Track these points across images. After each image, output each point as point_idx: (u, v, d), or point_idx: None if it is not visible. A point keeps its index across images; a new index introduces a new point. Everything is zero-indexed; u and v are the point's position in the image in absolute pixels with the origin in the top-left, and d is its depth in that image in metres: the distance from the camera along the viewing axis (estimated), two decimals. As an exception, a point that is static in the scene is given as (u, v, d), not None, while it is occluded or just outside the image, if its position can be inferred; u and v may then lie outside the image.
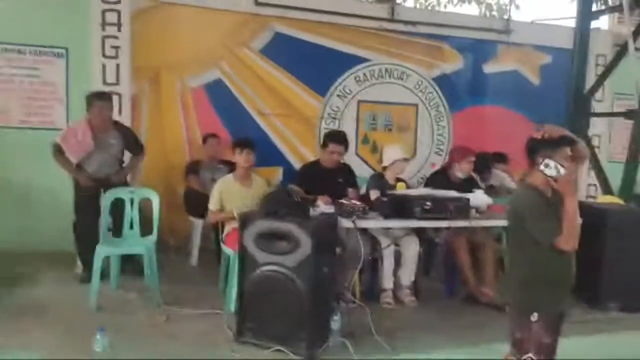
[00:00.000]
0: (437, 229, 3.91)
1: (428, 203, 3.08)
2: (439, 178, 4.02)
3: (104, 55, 4.55)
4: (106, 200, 3.72)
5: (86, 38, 4.54)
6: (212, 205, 3.64)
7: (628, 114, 4.43)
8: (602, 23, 6.00)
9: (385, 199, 3.17)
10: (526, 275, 2.33)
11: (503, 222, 3.55)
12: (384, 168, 3.89)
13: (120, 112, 4.65)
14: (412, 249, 3.66)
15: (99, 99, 3.90)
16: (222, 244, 3.67)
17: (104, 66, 4.56)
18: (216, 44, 5.01)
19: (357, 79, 5.46)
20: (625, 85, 5.75)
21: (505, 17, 5.86)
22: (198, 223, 4.54)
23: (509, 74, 5.94)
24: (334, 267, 2.91)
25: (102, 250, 3.44)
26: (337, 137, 3.82)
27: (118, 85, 4.62)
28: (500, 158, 4.90)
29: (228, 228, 3.59)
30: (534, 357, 2.27)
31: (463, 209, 3.17)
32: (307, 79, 5.27)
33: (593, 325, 3.41)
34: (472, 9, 10.40)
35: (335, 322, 2.88)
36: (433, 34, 5.59)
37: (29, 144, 4.56)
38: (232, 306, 3.38)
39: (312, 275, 2.74)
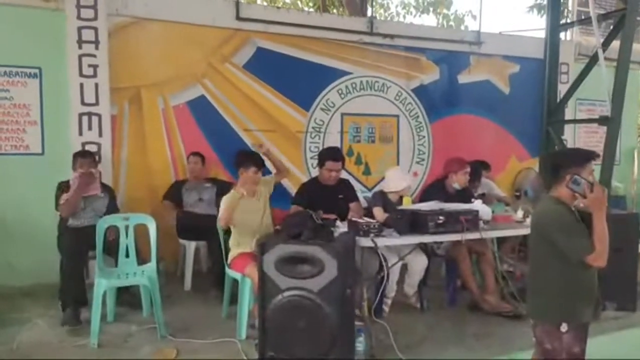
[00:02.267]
0: (437, 241, 3.96)
1: (441, 217, 3.12)
2: (436, 189, 4.08)
3: (81, 75, 4.33)
4: (99, 228, 3.52)
5: (61, 57, 4.31)
6: (220, 213, 3.47)
7: (602, 120, 4.68)
8: (562, 34, 6.32)
9: (399, 215, 3.17)
10: (555, 288, 2.38)
11: (512, 232, 3.72)
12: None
13: (100, 134, 4.45)
14: (420, 264, 3.69)
15: (83, 157, 3.93)
16: (227, 268, 3.55)
17: (81, 86, 4.34)
18: (198, 60, 4.87)
19: (340, 92, 5.47)
20: (586, 92, 6.13)
21: (476, 29, 6.04)
22: (190, 246, 4.38)
23: (481, 84, 6.16)
24: (355, 287, 2.88)
25: (102, 283, 3.23)
26: (333, 155, 3.79)
27: (97, 106, 4.42)
28: (484, 166, 5.05)
29: (234, 252, 3.47)
30: (564, 366, 2.34)
31: (474, 222, 3.23)
32: (291, 94, 5.24)
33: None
34: (430, 20, 10.77)
35: (360, 344, 2.84)
36: (411, 46, 5.70)
37: (1, 169, 4.25)
38: (244, 332, 3.30)
39: (338, 298, 2.68)
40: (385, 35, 5.53)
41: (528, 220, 3.63)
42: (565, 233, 2.30)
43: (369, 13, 6.69)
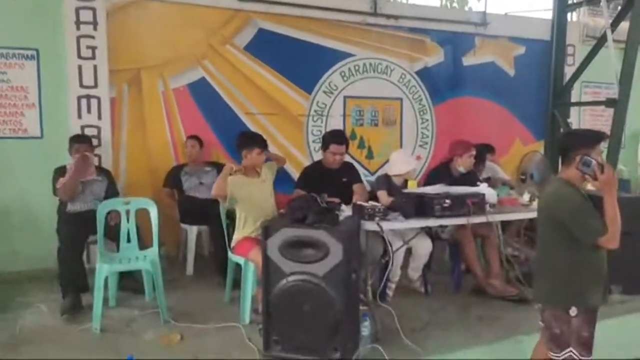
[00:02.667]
0: (442, 225, 3.92)
1: (447, 201, 3.07)
2: (441, 172, 4.03)
3: (79, 56, 4.24)
4: (100, 212, 3.47)
5: (59, 38, 4.21)
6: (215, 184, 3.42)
7: (609, 103, 4.60)
8: (569, 15, 6.18)
9: (404, 199, 3.12)
10: (564, 272, 2.35)
11: (519, 216, 3.67)
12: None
13: (99, 116, 4.37)
14: (425, 247, 3.66)
15: (78, 142, 3.88)
16: (230, 253, 3.51)
17: (80, 68, 4.25)
18: (198, 41, 4.77)
19: (343, 74, 5.38)
20: (592, 74, 6.03)
21: (481, 10, 5.91)
22: (192, 230, 4.34)
23: (486, 66, 6.05)
24: (360, 272, 2.85)
25: (103, 268, 3.20)
26: (337, 138, 3.72)
27: (96, 88, 4.34)
28: (488, 149, 4.99)
29: (238, 236, 3.43)
30: (574, 351, 2.31)
31: (480, 205, 3.18)
32: (293, 76, 5.14)
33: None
34: (433, 1, 10.59)
35: (365, 328, 2.82)
36: (415, 27, 5.59)
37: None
38: (247, 317, 3.27)
39: (343, 283, 2.66)
40: (389, 16, 5.41)
41: (534, 204, 3.59)
42: (577, 215, 2.26)
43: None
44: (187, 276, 4.30)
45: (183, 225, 4.44)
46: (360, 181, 3.84)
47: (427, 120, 5.85)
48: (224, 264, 4.07)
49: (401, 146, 5.69)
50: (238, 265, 3.45)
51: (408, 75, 5.66)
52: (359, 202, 3.09)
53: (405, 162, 3.74)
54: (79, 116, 4.28)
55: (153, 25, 4.59)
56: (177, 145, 4.79)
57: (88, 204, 3.84)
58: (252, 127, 5.00)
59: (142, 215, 3.62)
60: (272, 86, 5.07)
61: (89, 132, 4.27)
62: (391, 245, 3.45)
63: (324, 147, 3.70)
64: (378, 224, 2.90)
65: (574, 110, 6.20)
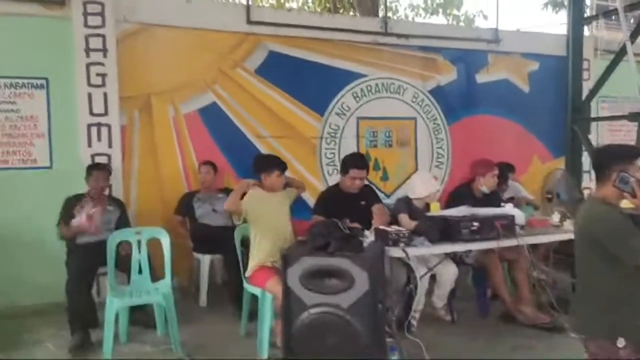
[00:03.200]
0: (468, 249, 3.74)
1: (475, 224, 2.90)
2: (463, 194, 3.86)
3: (89, 84, 4.19)
4: (110, 243, 3.34)
5: (69, 66, 4.16)
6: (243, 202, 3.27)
7: (632, 117, 4.46)
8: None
9: (429, 222, 2.96)
10: (607, 299, 2.17)
11: (550, 238, 3.48)
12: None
13: (110, 144, 4.29)
14: (450, 273, 3.48)
15: (97, 169, 3.85)
16: (245, 283, 3.35)
17: (90, 96, 4.20)
18: (208, 66, 4.72)
19: (355, 95, 5.29)
20: (608, 89, 5.88)
21: (493, 26, 5.83)
22: (205, 259, 4.20)
23: (500, 83, 5.94)
24: (385, 302, 2.67)
25: (114, 303, 3.05)
26: (358, 162, 3.57)
27: (106, 116, 4.27)
28: (509, 168, 4.83)
29: (252, 263, 3.27)
30: (625, 385, 2.12)
31: (510, 227, 3.01)
32: (305, 98, 5.06)
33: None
34: (439, 21, 10.59)
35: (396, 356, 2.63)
36: (426, 46, 5.51)
37: (8, 185, 4.10)
38: (265, 352, 3.09)
39: (369, 314, 2.48)
40: (399, 35, 5.35)
41: (565, 224, 3.41)
42: (619, 236, 2.09)
43: (380, 14, 6.53)
44: (201, 307, 4.14)
45: (196, 255, 4.30)
46: (380, 202, 3.68)
47: (442, 139, 5.72)
48: (238, 294, 3.91)
49: (416, 167, 5.55)
50: (254, 296, 3.29)
51: (421, 95, 5.56)
52: (382, 227, 2.93)
53: (427, 184, 3.59)
54: (89, 144, 4.21)
55: (163, 51, 4.54)
56: (188, 172, 4.69)
57: (99, 235, 3.73)
58: (264, 151, 4.89)
59: (153, 245, 3.49)
60: (284, 109, 4.99)
61: (99, 160, 4.19)
62: (416, 272, 3.29)
63: (344, 171, 3.56)
64: (404, 250, 2.74)
65: (592, 126, 6.04)
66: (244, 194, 3.23)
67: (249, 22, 4.77)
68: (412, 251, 2.80)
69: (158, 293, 3.26)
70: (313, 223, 2.83)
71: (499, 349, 3.20)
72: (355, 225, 2.82)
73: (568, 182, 4.88)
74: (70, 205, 3.67)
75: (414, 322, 3.48)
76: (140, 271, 3.42)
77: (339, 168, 5.11)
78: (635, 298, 2.15)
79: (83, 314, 3.36)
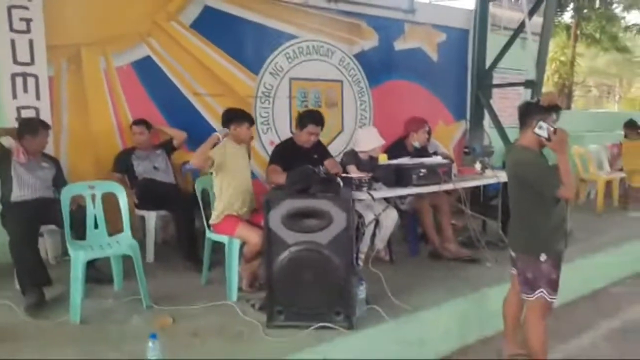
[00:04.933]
0: (402, 197, 4.21)
1: (423, 170, 3.33)
2: (398, 148, 4.31)
3: (11, 29, 3.80)
4: (64, 198, 3.20)
5: (-14, 8, 3.73)
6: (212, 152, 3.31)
7: (527, 84, 5.25)
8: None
9: (385, 170, 3.32)
10: (534, 224, 2.73)
11: (481, 182, 4.07)
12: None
13: (38, 96, 3.98)
14: (391, 219, 3.90)
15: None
16: (208, 233, 3.46)
17: (13, 42, 3.82)
18: (142, 17, 4.52)
19: (288, 56, 5.43)
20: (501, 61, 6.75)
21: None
22: (151, 216, 4.16)
23: (414, 51, 6.48)
24: (357, 238, 3.00)
25: (79, 256, 2.97)
26: (316, 119, 3.81)
27: (32, 65, 3.95)
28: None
29: (218, 212, 3.38)
30: (544, 291, 2.70)
31: (449, 173, 3.50)
32: (240, 56, 5.09)
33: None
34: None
35: (362, 292, 2.99)
36: (352, 12, 5.80)
37: None
38: (235, 295, 3.27)
39: (346, 249, 2.80)
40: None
41: (486, 172, 4.03)
42: (539, 174, 2.63)
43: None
44: (149, 264, 4.11)
45: (140, 212, 4.22)
46: (331, 156, 3.98)
47: (365, 102, 6.13)
48: (192, 248, 4.00)
49: (342, 127, 5.92)
50: (215, 245, 3.41)
51: (347, 59, 5.88)
52: (346, 174, 3.23)
53: (373, 139, 3.95)
54: (14, 96, 3.86)
55: (93, -2, 4.25)
56: (122, 129, 4.51)
57: (37, 192, 3.53)
58: (201, 109, 4.89)
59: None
60: (220, 66, 4.98)
61: (26, 113, 3.88)
62: (363, 217, 3.68)
63: (301, 126, 3.77)
64: (369, 193, 3.07)
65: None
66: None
67: (184, -27, 4.63)
68: (376, 194, 3.15)
69: (120, 245, 3.23)
70: (270, 171, 3.00)
71: (434, 277, 3.73)
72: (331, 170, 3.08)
73: (483, 138, 5.64)
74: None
75: (360, 262, 3.90)
76: (96, 226, 3.33)
77: (273, 127, 5.35)
78: (553, 223, 2.73)
79: (33, 272, 3.21)
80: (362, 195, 3.10)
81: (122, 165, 4.31)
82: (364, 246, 3.90)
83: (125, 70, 4.47)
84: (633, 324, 3.77)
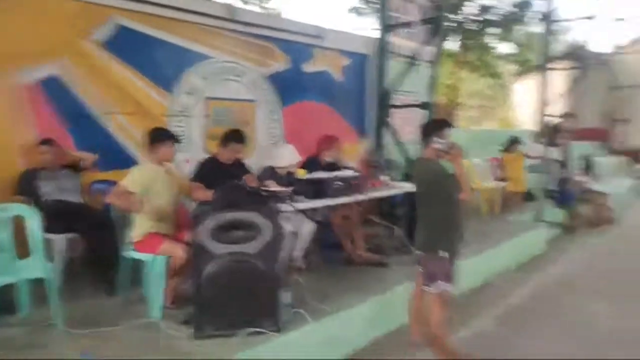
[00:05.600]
0: (315, 209, 4.51)
1: (339, 183, 3.67)
2: (313, 163, 4.62)
3: None
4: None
5: None
6: (130, 183, 3.32)
7: (423, 105, 5.90)
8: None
9: (305, 184, 3.60)
10: (435, 225, 3.19)
11: (391, 192, 4.48)
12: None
13: None
14: (308, 229, 4.17)
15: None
16: (127, 252, 3.46)
17: None
18: (53, 34, 4.38)
19: (202, 75, 5.55)
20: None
21: (317, 24, 6.76)
22: (59, 239, 3.98)
23: (321, 74, 6.93)
24: (282, 247, 3.22)
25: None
26: (239, 137, 4.03)
27: None
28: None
29: (140, 233, 3.40)
30: (442, 282, 3.14)
31: (362, 185, 3.87)
32: (153, 75, 5.11)
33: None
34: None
35: (287, 297, 3.21)
36: (266, 35, 6.09)
37: None
38: (159, 313, 3.28)
39: (273, 258, 3.01)
40: (244, 23, 5.79)
41: (392, 184, 4.48)
42: (442, 180, 3.11)
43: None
44: (58, 288, 3.92)
45: (47, 235, 4.02)
46: (250, 172, 4.18)
47: (276, 120, 6.41)
48: (105, 269, 3.92)
49: (255, 145, 6.12)
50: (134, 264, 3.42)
51: (260, 79, 6.13)
52: (269, 188, 3.45)
53: (291, 155, 4.23)
54: None
55: (2, 12, 4.05)
56: (27, 149, 4.30)
57: None
58: (113, 129, 4.82)
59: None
60: (132, 85, 4.95)
61: None
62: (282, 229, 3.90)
63: (224, 144, 3.96)
64: (292, 205, 3.32)
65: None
66: None
67: (96, -8, 4.59)
68: (297, 206, 3.40)
69: (30, 269, 3.12)
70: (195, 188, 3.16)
71: (349, 281, 4.06)
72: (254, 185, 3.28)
73: (385, 153, 6.22)
74: None
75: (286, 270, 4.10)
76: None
77: (186, 145, 5.42)
78: (450, 224, 3.20)
79: None
80: (287, 207, 3.34)
81: (27, 186, 4.11)
82: (286, 255, 4.13)
83: (32, 88, 4.30)
84: (515, 308, 4.41)
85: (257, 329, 2.92)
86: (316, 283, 3.94)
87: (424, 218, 3.26)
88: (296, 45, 6.48)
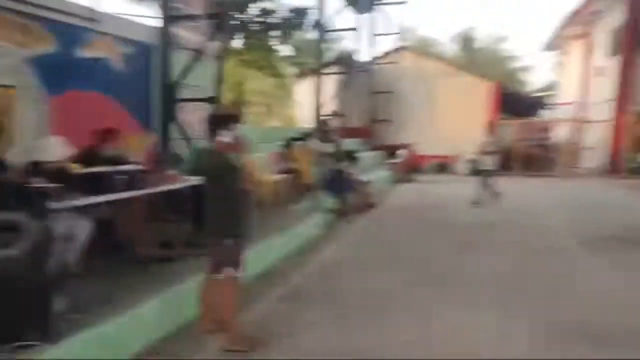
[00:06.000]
0: (95, 207, 4.18)
1: (121, 177, 3.47)
2: (89, 157, 4.26)
3: None
4: None
5: None
6: None
7: (209, 100, 5.98)
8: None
9: (84, 178, 3.30)
10: (219, 213, 3.37)
11: (174, 187, 4.38)
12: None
13: None
14: (84, 230, 3.84)
15: None
16: None
17: None
18: None
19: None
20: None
21: (90, 4, 6.15)
22: None
23: (99, 61, 6.36)
24: (53, 250, 2.92)
25: None
26: None
27: None
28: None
29: None
30: (230, 269, 3.33)
31: (146, 180, 3.73)
32: None
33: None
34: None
35: (61, 304, 2.93)
36: (28, 12, 5.28)
37: None
38: None
39: (41, 262, 2.72)
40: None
41: (178, 178, 4.45)
42: (227, 171, 3.28)
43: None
44: None
45: None
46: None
47: (43, 110, 5.65)
48: None
49: (18, 137, 5.30)
50: None
51: (20, 63, 5.31)
52: (36, 185, 3.06)
53: (59, 148, 3.81)
54: None
55: None
56: None
57: None
58: None
59: None
60: None
61: None
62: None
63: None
64: (64, 203, 3.02)
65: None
66: None
67: None
68: (70, 203, 3.11)
69: None
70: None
71: (135, 279, 3.92)
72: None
73: (172, 147, 6.07)
74: None
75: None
76: None
77: None
78: (233, 211, 3.38)
79: None
80: (55, 205, 3.02)
81: None
82: (61, 258, 3.72)
83: None
84: (297, 287, 4.88)
85: (24, 342, 2.59)
86: (98, 286, 3.68)
87: (210, 208, 3.36)
88: (66, 26, 5.81)
